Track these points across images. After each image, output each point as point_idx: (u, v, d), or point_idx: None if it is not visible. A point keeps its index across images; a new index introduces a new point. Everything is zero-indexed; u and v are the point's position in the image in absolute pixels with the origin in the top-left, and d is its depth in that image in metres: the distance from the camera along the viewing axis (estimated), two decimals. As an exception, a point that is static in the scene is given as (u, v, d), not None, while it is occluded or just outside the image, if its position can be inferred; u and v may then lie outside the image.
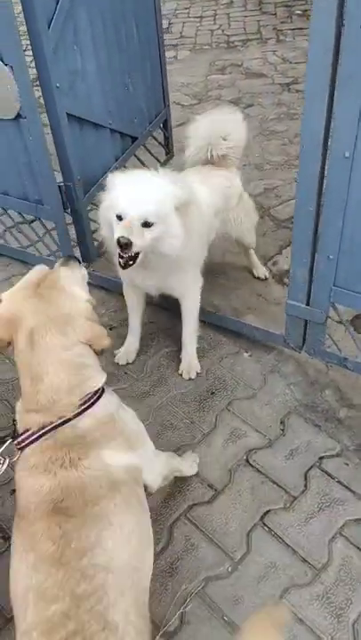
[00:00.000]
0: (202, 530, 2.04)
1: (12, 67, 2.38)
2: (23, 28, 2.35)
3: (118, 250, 1.99)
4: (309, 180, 2.00)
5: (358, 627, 1.78)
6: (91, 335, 1.47)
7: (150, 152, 3.78)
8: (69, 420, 1.43)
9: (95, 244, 3.19)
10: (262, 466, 2.21)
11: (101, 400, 1.52)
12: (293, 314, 2.43)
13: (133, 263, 2.05)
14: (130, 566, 1.35)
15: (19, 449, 1.46)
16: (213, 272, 3.18)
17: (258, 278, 3.15)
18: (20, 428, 1.48)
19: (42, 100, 2.59)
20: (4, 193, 3.00)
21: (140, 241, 1.98)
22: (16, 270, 3.28)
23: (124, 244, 1.96)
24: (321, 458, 2.23)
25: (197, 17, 6.99)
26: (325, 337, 2.43)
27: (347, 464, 2.20)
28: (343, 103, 1.77)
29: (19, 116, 2.55)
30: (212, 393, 2.50)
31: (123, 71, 3.11)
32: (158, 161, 3.84)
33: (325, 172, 1.96)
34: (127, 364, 2.69)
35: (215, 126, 2.60)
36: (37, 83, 2.55)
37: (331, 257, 2.13)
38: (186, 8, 7.31)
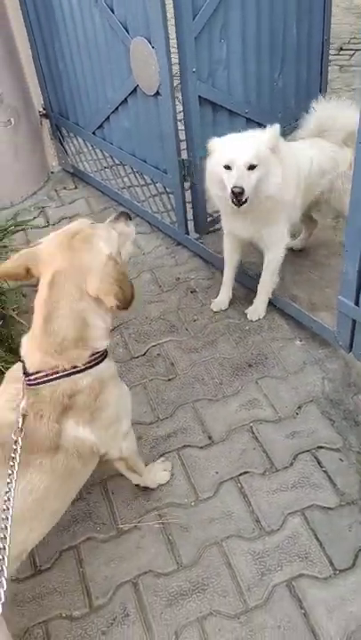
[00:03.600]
0: (185, 466, 2.29)
1: (156, 49, 2.82)
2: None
3: (233, 198, 2.36)
4: (363, 178, 2.08)
5: (276, 590, 1.89)
6: (99, 289, 1.54)
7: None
8: (80, 370, 1.58)
9: (208, 219, 3.53)
10: (261, 436, 2.36)
11: (102, 364, 1.66)
12: (343, 311, 2.49)
13: (245, 202, 2.38)
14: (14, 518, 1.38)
15: (30, 386, 1.56)
16: (309, 267, 3.30)
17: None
18: (29, 366, 1.59)
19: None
20: (143, 159, 3.50)
21: (248, 185, 2.34)
22: (141, 230, 3.77)
23: (238, 193, 2.34)
24: (319, 447, 2.30)
25: None
26: (369, 341, 2.45)
27: (342, 460, 2.24)
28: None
29: (157, 93, 2.99)
30: (250, 365, 2.69)
31: (273, 68, 3.36)
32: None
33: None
34: (221, 310, 3.03)
35: (330, 114, 2.83)
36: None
37: (377, 259, 2.18)
38: None
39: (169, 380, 2.67)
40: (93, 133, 3.92)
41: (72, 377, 1.58)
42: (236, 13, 2.98)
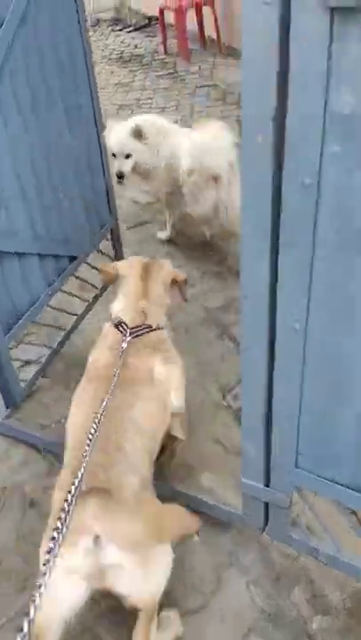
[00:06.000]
0: None
1: None
2: None
3: None
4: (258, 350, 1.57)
5: None
6: (174, 275, 2.31)
7: (96, 268, 3.34)
8: (161, 328, 2.17)
9: (22, 384, 2.72)
10: None
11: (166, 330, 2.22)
12: (250, 494, 1.95)
13: None
14: (146, 436, 1.87)
15: (134, 336, 2.07)
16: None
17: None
18: (129, 322, 2.12)
19: None
20: None
21: None
22: None
23: None
24: None
25: (160, 107, 6.90)
26: (290, 521, 1.94)
27: None
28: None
29: None
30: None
31: (54, 188, 2.73)
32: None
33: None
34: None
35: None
36: None
37: (289, 434, 1.68)
38: (149, 98, 7.25)
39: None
40: None
41: (157, 331, 2.14)
42: (4, 149, 2.31)
